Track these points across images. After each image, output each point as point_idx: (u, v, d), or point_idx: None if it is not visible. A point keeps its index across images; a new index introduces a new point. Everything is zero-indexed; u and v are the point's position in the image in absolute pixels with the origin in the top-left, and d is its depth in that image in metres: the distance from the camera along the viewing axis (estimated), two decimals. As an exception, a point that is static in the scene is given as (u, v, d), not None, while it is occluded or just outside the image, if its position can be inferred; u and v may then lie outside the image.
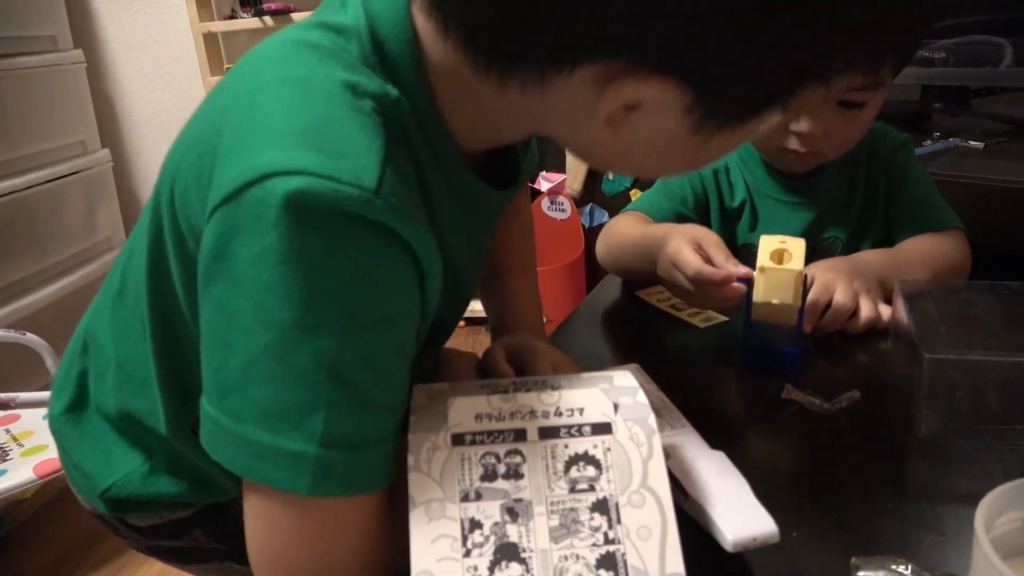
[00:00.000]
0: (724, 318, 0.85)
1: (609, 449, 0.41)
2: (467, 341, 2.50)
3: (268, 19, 2.23)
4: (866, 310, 0.77)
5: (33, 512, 1.76)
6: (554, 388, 0.44)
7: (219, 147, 0.39)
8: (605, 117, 0.40)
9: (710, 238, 0.80)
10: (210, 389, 0.40)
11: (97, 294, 0.64)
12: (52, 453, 1.35)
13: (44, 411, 1.51)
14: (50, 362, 1.57)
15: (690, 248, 0.78)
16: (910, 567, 0.45)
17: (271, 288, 0.37)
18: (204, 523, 0.64)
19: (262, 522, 0.42)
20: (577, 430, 0.42)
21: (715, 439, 0.54)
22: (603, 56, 0.37)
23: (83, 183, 2.39)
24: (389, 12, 0.43)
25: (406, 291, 0.41)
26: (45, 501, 1.77)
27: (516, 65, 0.40)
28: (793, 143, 0.88)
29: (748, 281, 0.74)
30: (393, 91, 0.42)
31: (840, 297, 0.76)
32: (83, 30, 2.55)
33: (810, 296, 0.76)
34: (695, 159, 0.45)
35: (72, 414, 0.62)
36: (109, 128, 2.65)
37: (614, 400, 0.43)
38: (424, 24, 0.43)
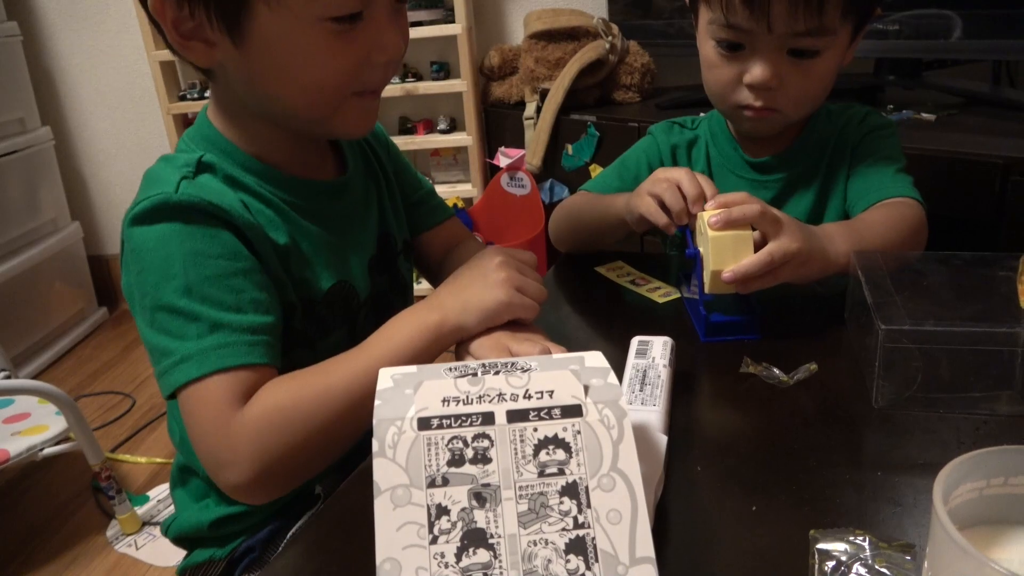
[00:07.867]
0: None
1: (579, 432, 0.41)
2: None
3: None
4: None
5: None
6: (523, 370, 0.43)
7: None
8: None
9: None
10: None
11: None
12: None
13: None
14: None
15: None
16: (868, 539, 0.45)
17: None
18: None
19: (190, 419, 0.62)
20: (547, 413, 0.41)
21: (675, 413, 0.54)
22: None
23: (23, 162, 2.30)
24: (200, 120, 0.74)
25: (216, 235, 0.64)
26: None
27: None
28: (747, 96, 0.86)
29: (698, 254, 0.74)
30: (197, 152, 0.70)
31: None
32: (16, 2, 2.44)
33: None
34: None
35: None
36: (50, 105, 2.54)
37: (584, 382, 0.42)
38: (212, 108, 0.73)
